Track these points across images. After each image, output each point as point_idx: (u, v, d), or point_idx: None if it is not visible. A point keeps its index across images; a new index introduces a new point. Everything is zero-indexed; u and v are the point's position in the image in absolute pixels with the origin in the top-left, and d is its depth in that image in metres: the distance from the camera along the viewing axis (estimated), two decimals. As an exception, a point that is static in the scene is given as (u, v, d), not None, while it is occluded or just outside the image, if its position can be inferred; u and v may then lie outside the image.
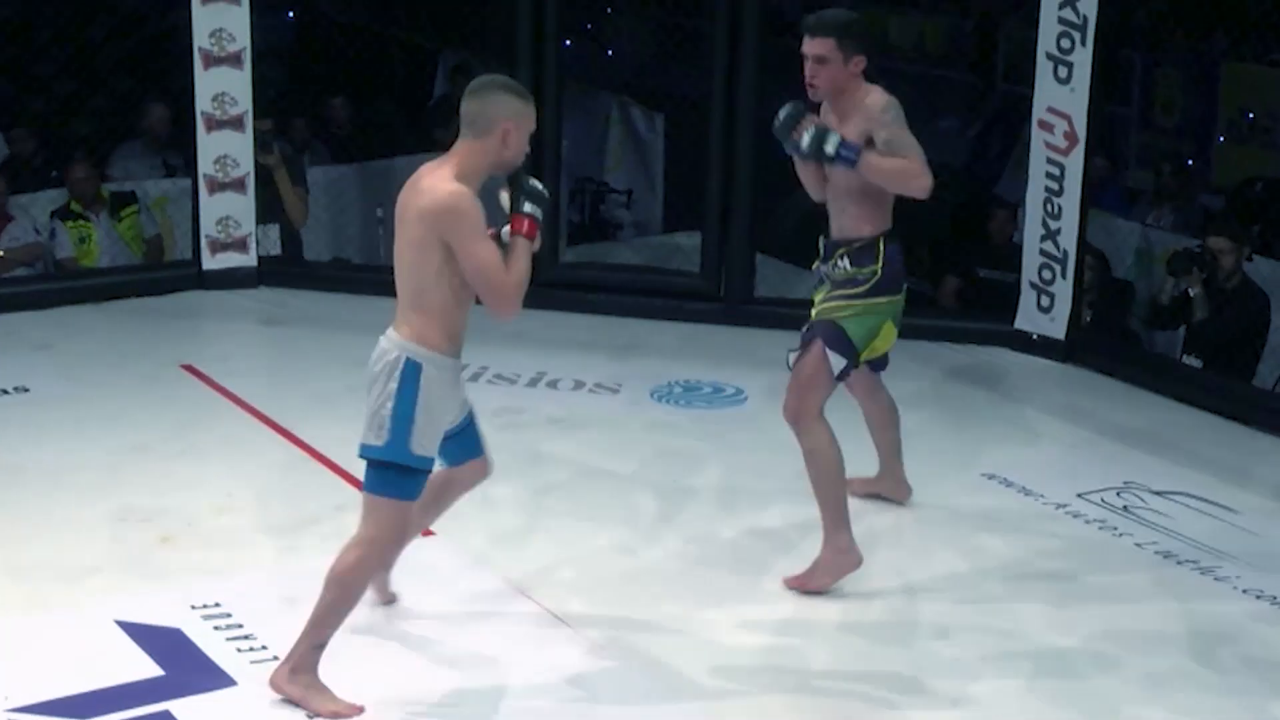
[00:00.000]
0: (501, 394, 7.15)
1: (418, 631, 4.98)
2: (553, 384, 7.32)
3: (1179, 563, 5.73)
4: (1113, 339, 8.16)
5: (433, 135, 10.63)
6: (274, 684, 4.55)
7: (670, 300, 8.32)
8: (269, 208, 8.58)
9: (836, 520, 5.21)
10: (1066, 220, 7.70)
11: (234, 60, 8.31)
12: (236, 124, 8.38)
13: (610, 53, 13.79)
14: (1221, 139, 11.72)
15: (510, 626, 5.06)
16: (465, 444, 4.76)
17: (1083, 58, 7.53)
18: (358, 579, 4.52)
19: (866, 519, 5.81)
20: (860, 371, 5.46)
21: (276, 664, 4.63)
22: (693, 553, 5.63)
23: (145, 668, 4.71)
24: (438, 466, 4.63)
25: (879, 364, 5.61)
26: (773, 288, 8.49)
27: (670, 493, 6.11)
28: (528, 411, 6.94)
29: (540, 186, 4.53)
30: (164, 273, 8.64)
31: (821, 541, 5.26)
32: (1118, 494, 6.30)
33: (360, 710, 4.52)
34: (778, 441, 6.63)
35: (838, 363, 5.22)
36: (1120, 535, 5.95)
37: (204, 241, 8.48)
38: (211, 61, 8.29)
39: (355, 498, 5.91)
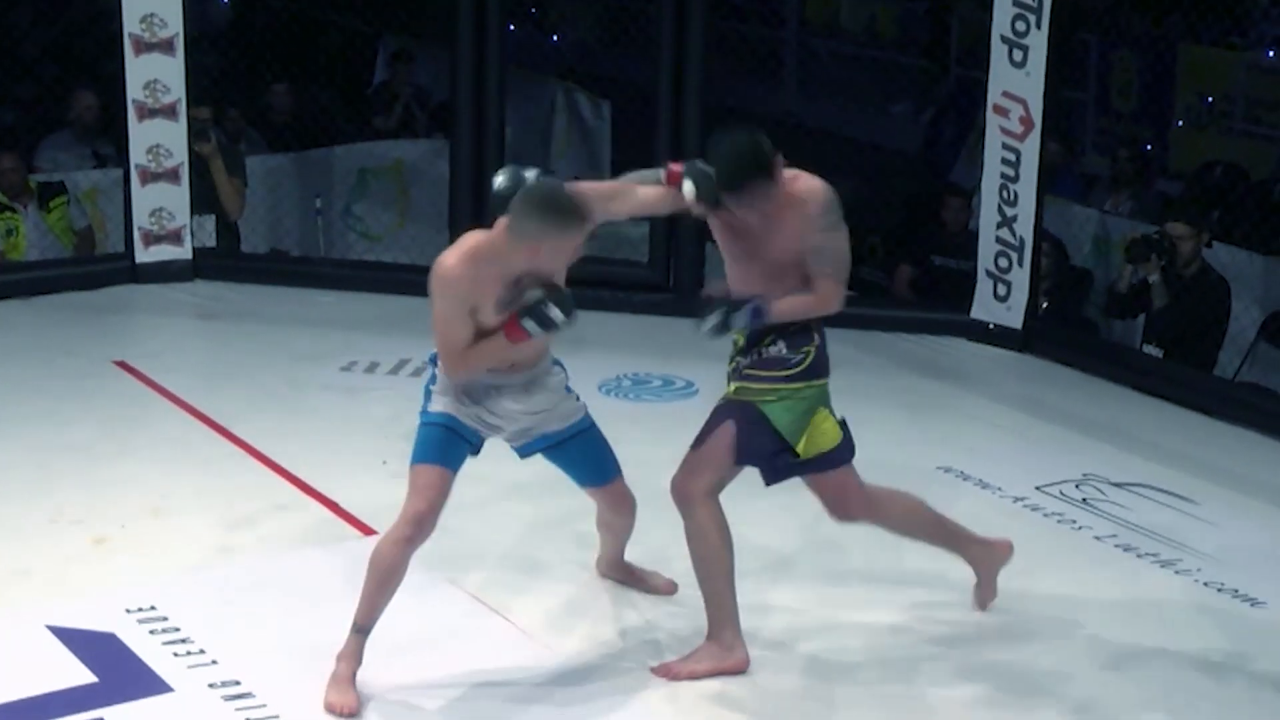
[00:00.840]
0: (445, 389, 7.12)
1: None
2: (498, 378, 7.30)
3: (1139, 556, 5.76)
4: (1071, 328, 8.19)
5: (372, 124, 10.62)
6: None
7: (618, 291, 8.31)
8: (204, 199, 8.53)
9: (719, 615, 4.81)
10: (1023, 207, 7.73)
11: (166, 46, 8.25)
12: (169, 112, 8.32)
13: (555, 38, 13.78)
14: (1179, 124, 11.79)
15: (446, 621, 5.04)
16: (571, 469, 4.95)
17: (1038, 41, 7.56)
18: (393, 558, 4.60)
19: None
20: (821, 482, 4.92)
21: (210, 668, 4.63)
22: (640, 552, 5.63)
23: (78, 674, 4.67)
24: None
25: (828, 460, 4.88)
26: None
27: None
28: (472, 407, 6.92)
29: (559, 316, 4.55)
30: (95, 266, 8.56)
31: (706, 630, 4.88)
32: (1077, 486, 6.33)
33: (351, 715, 4.53)
34: (729, 435, 6.65)
35: (751, 451, 4.77)
36: (1079, 528, 5.98)
37: (137, 234, 8.42)
38: (143, 48, 8.23)
39: (294, 496, 5.98)
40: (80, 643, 4.83)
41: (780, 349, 4.75)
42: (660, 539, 5.31)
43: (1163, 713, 4.75)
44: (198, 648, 4.83)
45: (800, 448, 4.78)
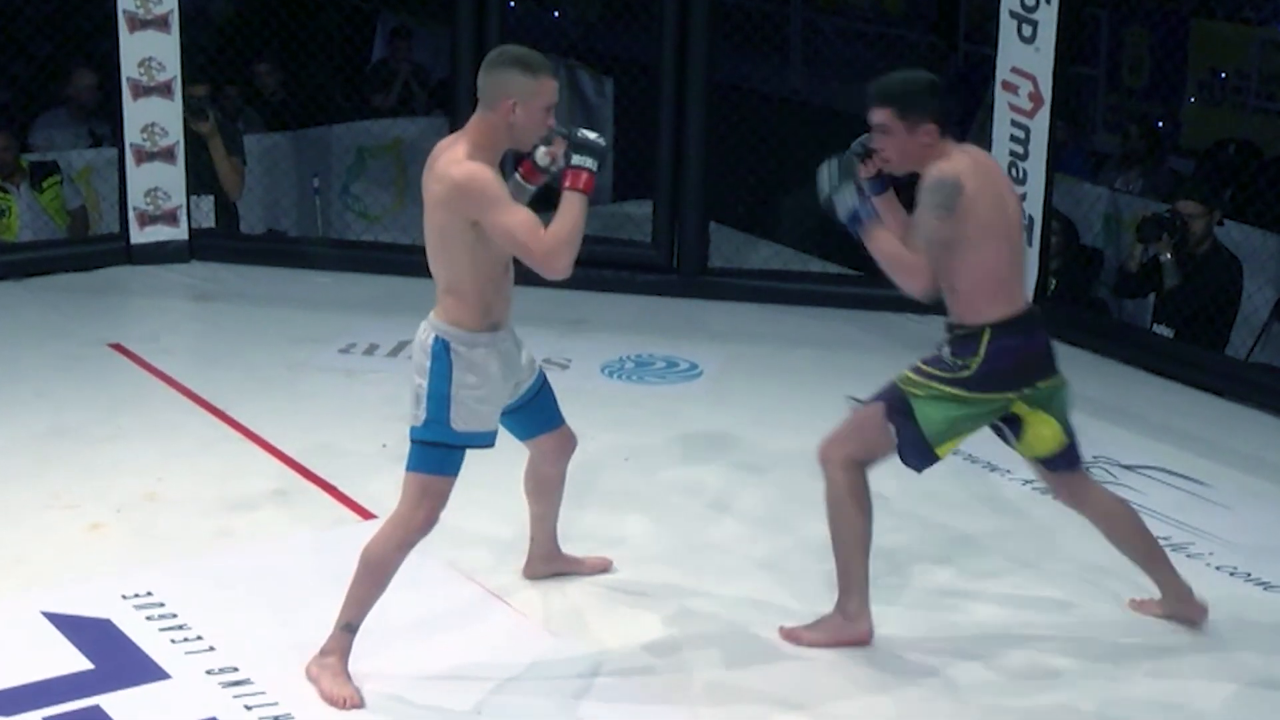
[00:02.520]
0: (445, 371, 7.12)
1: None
2: (499, 360, 7.30)
3: (1150, 539, 5.76)
4: (1080, 308, 8.18)
5: (371, 101, 10.61)
6: (308, 671, 4.60)
7: (621, 272, 8.31)
8: (201, 178, 8.52)
9: (845, 583, 4.86)
10: (1032, 185, 7.72)
11: (161, 23, 8.24)
12: (165, 90, 8.31)
13: (556, 14, 13.75)
14: (1191, 100, 11.77)
15: (451, 606, 5.05)
16: (534, 417, 4.86)
17: (1047, 16, 7.54)
18: (388, 559, 4.58)
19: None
20: (1053, 476, 4.99)
21: (208, 654, 4.62)
22: (644, 535, 5.63)
23: (74, 661, 4.68)
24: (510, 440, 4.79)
25: (1059, 463, 4.95)
26: (727, 258, 8.49)
27: (623, 473, 6.10)
28: (473, 389, 6.92)
29: (593, 137, 4.48)
30: (90, 247, 8.56)
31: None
32: (1087, 469, 6.30)
33: (355, 706, 4.51)
34: (734, 417, 6.67)
35: (894, 437, 4.77)
36: (1089, 511, 5.97)
37: (132, 214, 8.42)
38: (137, 25, 8.22)
39: (292, 480, 5.99)
40: (76, 629, 4.84)
41: (945, 351, 4.76)
42: (677, 514, 5.31)
43: (1177, 696, 4.76)
44: (195, 634, 4.83)
45: (940, 450, 4.78)
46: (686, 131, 8.09)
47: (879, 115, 4.70)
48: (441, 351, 4.53)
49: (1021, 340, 4.74)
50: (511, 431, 4.86)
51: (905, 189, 4.84)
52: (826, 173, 4.75)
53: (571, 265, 4.46)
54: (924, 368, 4.77)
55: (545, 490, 5.11)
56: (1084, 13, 10.62)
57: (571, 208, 4.45)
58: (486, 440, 4.61)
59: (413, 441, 4.59)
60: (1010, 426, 4.86)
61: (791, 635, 4.90)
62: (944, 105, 4.75)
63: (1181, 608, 5.11)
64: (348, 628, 4.60)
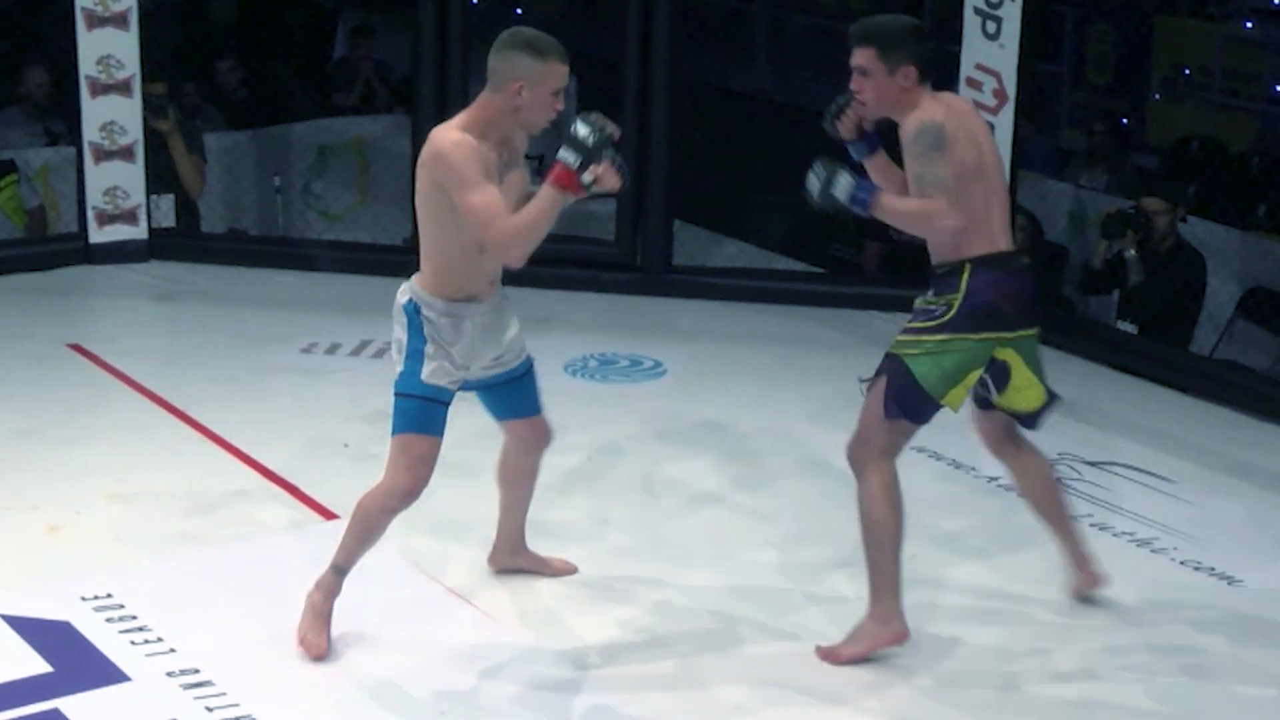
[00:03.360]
0: (408, 370, 7.12)
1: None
2: (462, 359, 7.30)
3: (1115, 535, 5.80)
4: (1045, 305, 8.20)
5: (332, 99, 10.60)
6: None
7: (584, 270, 8.32)
8: (161, 177, 8.50)
9: (878, 582, 4.78)
10: (996, 182, 7.74)
11: (119, 20, 8.22)
12: (123, 88, 8.29)
13: (519, 11, 13.75)
14: (1156, 96, 11.84)
15: (413, 604, 5.05)
16: (512, 399, 4.90)
17: (1012, 12, 7.58)
18: (373, 519, 4.71)
19: (793, 492, 5.84)
20: (994, 421, 5.01)
21: (169, 656, 4.63)
22: (607, 532, 5.64)
23: (33, 664, 4.66)
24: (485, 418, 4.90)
25: (1027, 420, 5.00)
26: (691, 256, 8.50)
27: (586, 471, 6.11)
28: (436, 388, 6.92)
29: (588, 130, 4.38)
30: (48, 246, 8.53)
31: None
32: (1052, 466, 6.34)
33: (318, 656, 4.68)
34: (698, 416, 6.68)
35: (903, 405, 4.72)
36: (1054, 508, 6.01)
37: (90, 213, 8.39)
38: (95, 22, 8.19)
39: (254, 481, 5.97)
40: (35, 631, 4.82)
41: (929, 296, 4.74)
42: (640, 512, 5.31)
43: (1140, 691, 4.78)
44: (155, 636, 4.82)
45: (948, 400, 4.73)
46: (650, 129, 8.11)
47: (860, 56, 4.73)
48: (413, 313, 4.64)
49: (1002, 275, 4.72)
50: (488, 409, 4.93)
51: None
52: (814, 173, 4.74)
53: (526, 256, 4.49)
54: (909, 326, 4.75)
55: (517, 480, 5.12)
56: (1048, 9, 10.67)
57: (541, 200, 4.45)
58: (445, 397, 4.67)
59: (395, 397, 4.69)
60: (995, 377, 4.82)
61: (830, 655, 4.82)
62: (925, 49, 4.73)
63: (1079, 573, 5.20)
64: (336, 569, 4.76)
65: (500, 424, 5.00)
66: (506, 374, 4.86)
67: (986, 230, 4.73)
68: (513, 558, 5.26)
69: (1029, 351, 4.84)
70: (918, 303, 4.79)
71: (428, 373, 4.64)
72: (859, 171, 4.82)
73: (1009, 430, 5.07)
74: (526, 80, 4.47)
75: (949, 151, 4.62)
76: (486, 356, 4.76)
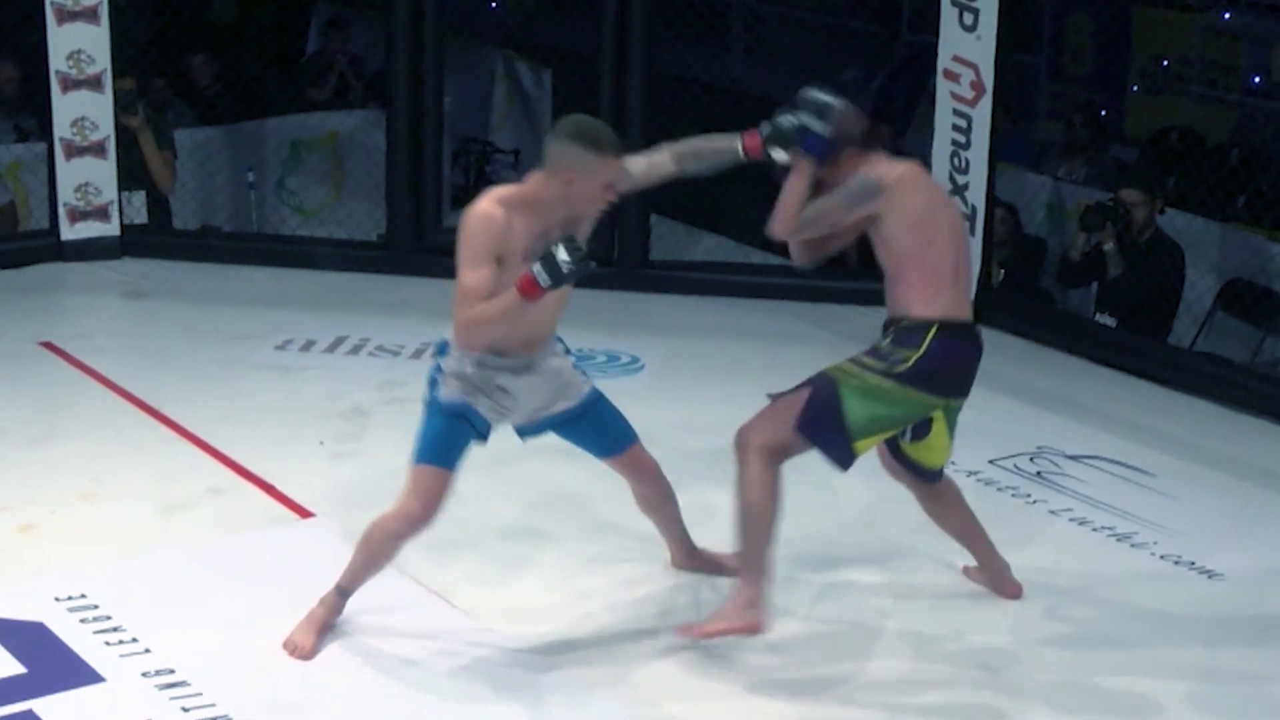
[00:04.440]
0: (383, 366, 7.13)
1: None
2: (438, 355, 7.30)
3: (1095, 529, 5.83)
4: (1024, 298, 8.24)
5: (306, 94, 10.57)
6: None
7: (561, 265, 8.30)
8: (133, 173, 8.48)
9: (744, 571, 4.80)
10: (974, 174, 7.77)
11: (90, 15, 8.19)
12: (94, 84, 8.27)
13: (494, 4, 13.75)
14: (1134, 88, 11.87)
15: (391, 605, 5.05)
16: (589, 437, 4.95)
17: (989, 4, 7.59)
18: (382, 545, 4.76)
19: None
20: (910, 480, 5.10)
21: (143, 656, 4.65)
22: (586, 529, 5.65)
23: (6, 665, 4.66)
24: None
25: (929, 474, 5.08)
26: (668, 250, 8.51)
27: (561, 469, 6.11)
28: (411, 384, 6.86)
29: (568, 258, 4.41)
30: (19, 244, 8.51)
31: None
32: (1031, 459, 6.38)
33: (301, 656, 4.72)
34: (676, 410, 6.68)
35: (812, 423, 4.75)
36: (1034, 502, 6.03)
37: (62, 210, 8.37)
38: (65, 16, 8.17)
39: (229, 479, 5.97)
40: (7, 632, 4.82)
41: (888, 343, 4.77)
42: (614, 507, 5.32)
43: (1120, 685, 4.81)
44: (130, 636, 4.82)
45: (859, 446, 4.77)
46: (627, 123, 8.09)
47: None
48: (439, 353, 4.75)
49: (962, 346, 4.80)
50: (577, 443, 4.99)
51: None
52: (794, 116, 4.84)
53: (471, 345, 4.60)
54: (859, 358, 4.79)
55: (651, 506, 5.16)
56: (1026, 0, 10.69)
57: (503, 301, 4.49)
58: (460, 410, 4.67)
59: (420, 427, 4.75)
60: (917, 426, 4.89)
61: (687, 629, 4.86)
62: (858, 129, 4.85)
63: (997, 584, 5.24)
64: (340, 591, 4.82)
65: (606, 460, 5.04)
66: (562, 416, 4.89)
67: (955, 294, 4.80)
68: (690, 560, 5.30)
69: (954, 417, 4.92)
70: (878, 343, 4.81)
71: (444, 393, 4.68)
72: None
73: (927, 488, 5.14)
74: (579, 170, 4.54)
75: (886, 205, 4.74)
76: (527, 408, 4.81)
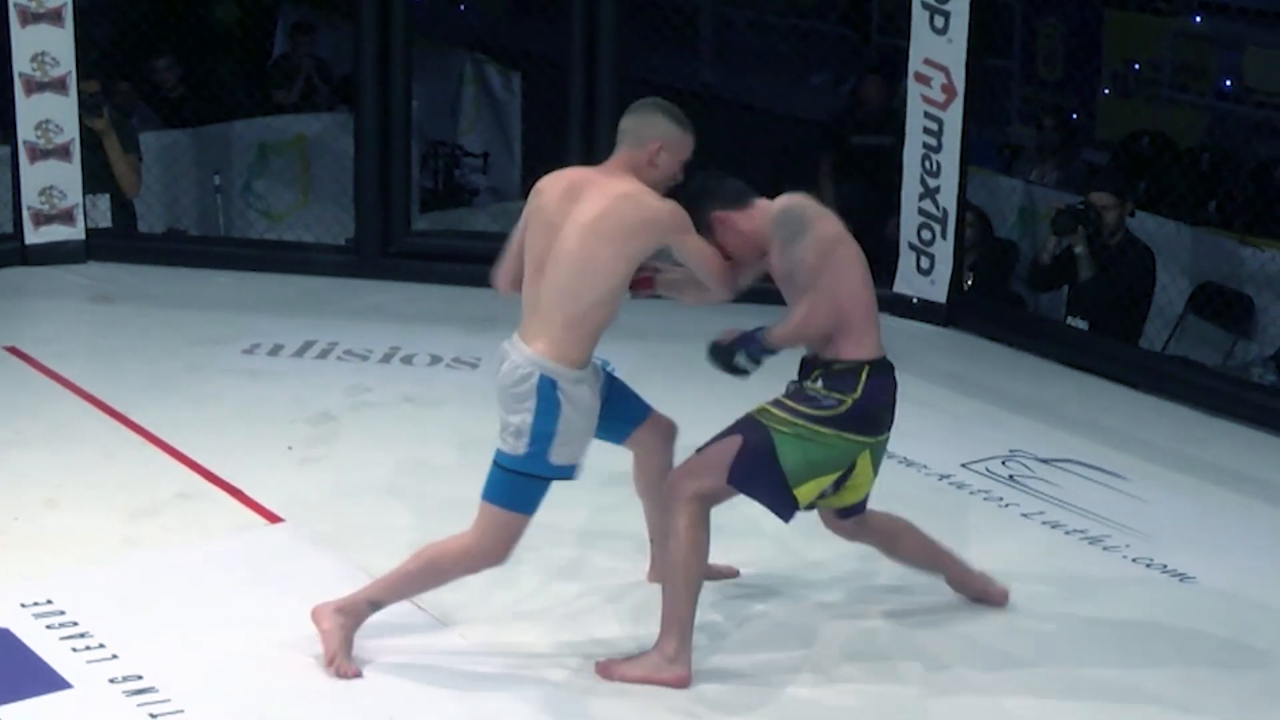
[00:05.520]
0: (352, 371, 7.12)
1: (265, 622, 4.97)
2: (407, 360, 7.31)
3: (1067, 532, 5.85)
4: (996, 302, 8.28)
5: (273, 97, 10.57)
6: (314, 612, 4.71)
7: (531, 269, 8.31)
8: (98, 176, 8.46)
9: (669, 623, 4.72)
10: (946, 178, 7.80)
11: (54, 17, 8.17)
12: (59, 86, 8.25)
13: (462, 7, 13.77)
14: (1105, 92, 11.93)
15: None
16: (619, 414, 4.93)
17: (960, 7, 7.63)
18: (442, 573, 4.72)
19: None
20: (834, 522, 5.07)
21: (111, 662, 4.64)
22: (557, 532, 5.66)
23: (-28, 672, 4.66)
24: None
25: (843, 512, 5.04)
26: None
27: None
28: (379, 389, 6.93)
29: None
30: (-18, 248, 8.50)
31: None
32: (1003, 463, 6.41)
33: (354, 675, 4.64)
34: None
35: (748, 477, 4.72)
36: (1006, 505, 6.06)
37: (26, 213, 8.34)
38: (29, 18, 8.14)
39: (197, 484, 5.96)
40: (-27, 639, 4.82)
41: (818, 386, 4.75)
42: (590, 512, 5.32)
43: (1092, 688, 4.83)
44: (97, 642, 4.81)
45: (800, 493, 4.75)
46: (596, 127, 8.10)
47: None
48: (549, 390, 4.58)
49: (888, 382, 4.83)
50: (606, 439, 4.92)
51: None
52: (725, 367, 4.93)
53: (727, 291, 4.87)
54: (788, 403, 4.75)
55: (656, 485, 5.05)
56: (997, 4, 10.74)
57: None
58: (572, 473, 4.69)
59: (500, 468, 4.65)
60: (838, 479, 4.86)
61: (605, 669, 4.77)
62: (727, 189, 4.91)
63: (985, 593, 5.24)
64: (373, 604, 4.73)
65: (624, 444, 5.02)
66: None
67: (875, 333, 4.83)
68: None
69: (880, 452, 4.91)
70: (803, 386, 4.80)
71: (557, 454, 4.62)
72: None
73: (851, 526, 5.10)
74: (663, 141, 4.68)
75: (809, 244, 4.74)
76: (595, 414, 4.79)
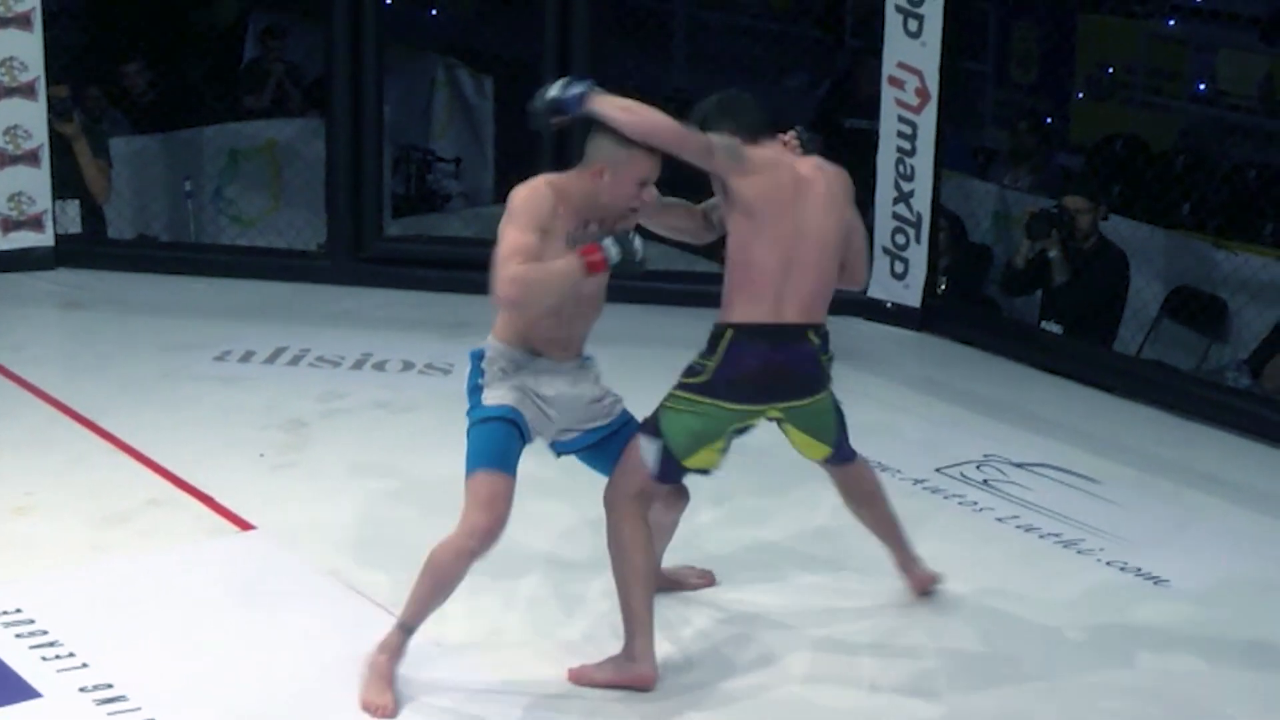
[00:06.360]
0: (324, 377, 7.12)
1: (239, 627, 4.97)
2: (379, 365, 7.31)
3: (1041, 536, 5.87)
4: (970, 306, 8.30)
5: (244, 102, 10.56)
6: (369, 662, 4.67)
7: (501, 274, 8.31)
8: (67, 182, 8.45)
9: (629, 626, 4.74)
10: (920, 182, 7.83)
11: (22, 21, 8.16)
12: (28, 91, 8.23)
13: (434, 11, 13.77)
14: (1080, 95, 11.97)
15: (338, 621, 5.05)
16: (612, 460, 4.83)
17: (933, 10, 7.66)
18: (448, 567, 4.61)
19: (725, 500, 5.88)
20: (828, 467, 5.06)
21: (81, 671, 4.64)
22: (529, 539, 5.66)
23: (-60, 681, 4.65)
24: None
25: (831, 460, 5.03)
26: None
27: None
28: (352, 395, 6.93)
29: (639, 248, 4.53)
30: (-48, 255, 8.47)
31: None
32: (977, 467, 6.43)
33: (389, 716, 4.56)
34: (621, 421, 6.70)
35: (646, 457, 4.73)
36: (981, 510, 6.08)
37: (-6, 220, 8.34)
38: (-2, 23, 8.15)
39: (168, 491, 5.96)
40: (-58, 648, 4.81)
41: (699, 354, 4.72)
42: (560, 518, 5.33)
43: (1066, 694, 4.85)
44: (67, 651, 4.80)
45: (693, 461, 4.76)
46: (569, 131, 8.09)
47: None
48: (475, 360, 4.70)
49: (765, 350, 4.67)
50: (600, 471, 4.87)
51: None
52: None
53: (516, 302, 4.50)
54: (680, 378, 4.75)
55: (660, 528, 5.00)
56: (971, 7, 10.77)
57: (562, 266, 4.50)
58: (507, 414, 4.63)
59: (467, 438, 4.67)
60: (781, 427, 4.89)
61: (577, 675, 4.77)
62: (745, 117, 4.84)
63: (911, 578, 5.27)
64: (404, 628, 4.66)
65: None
66: (594, 435, 4.83)
67: (769, 295, 4.68)
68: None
69: (807, 418, 4.86)
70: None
71: (491, 397, 4.65)
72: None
73: (845, 471, 5.11)
74: (609, 165, 4.60)
75: (745, 168, 4.69)
76: (564, 420, 4.76)
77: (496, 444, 4.63)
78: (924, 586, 5.29)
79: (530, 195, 4.56)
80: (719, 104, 4.87)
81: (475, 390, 4.70)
